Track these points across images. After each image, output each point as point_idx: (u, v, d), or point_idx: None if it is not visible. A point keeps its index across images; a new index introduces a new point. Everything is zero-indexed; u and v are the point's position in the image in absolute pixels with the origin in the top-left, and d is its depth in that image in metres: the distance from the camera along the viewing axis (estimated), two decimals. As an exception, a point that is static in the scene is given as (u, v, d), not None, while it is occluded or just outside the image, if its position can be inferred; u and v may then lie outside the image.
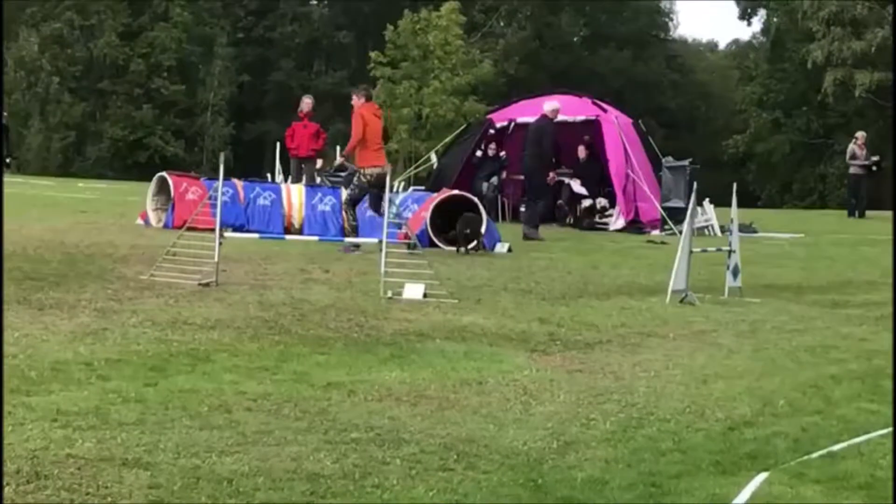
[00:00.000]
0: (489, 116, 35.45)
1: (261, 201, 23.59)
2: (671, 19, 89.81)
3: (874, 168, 36.73)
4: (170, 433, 7.69)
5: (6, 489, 6.36)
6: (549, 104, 26.31)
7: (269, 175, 32.17)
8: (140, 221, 24.00)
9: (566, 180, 30.57)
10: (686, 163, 29.38)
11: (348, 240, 19.32)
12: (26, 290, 13.13)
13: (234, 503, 6.45)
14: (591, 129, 30.96)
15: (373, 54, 54.88)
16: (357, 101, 20.61)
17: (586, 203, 30.38)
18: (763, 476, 7.39)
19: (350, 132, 20.45)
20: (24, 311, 11.87)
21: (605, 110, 31.72)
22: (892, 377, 10.46)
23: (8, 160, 53.65)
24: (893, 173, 28.05)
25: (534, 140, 25.55)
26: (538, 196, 26.06)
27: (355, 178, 20.22)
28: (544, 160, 25.72)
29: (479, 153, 32.31)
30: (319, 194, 24.18)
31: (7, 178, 41.68)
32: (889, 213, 32.50)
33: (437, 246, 20.92)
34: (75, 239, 19.28)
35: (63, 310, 12.11)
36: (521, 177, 27.82)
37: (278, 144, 31.16)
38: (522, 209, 29.68)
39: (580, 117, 31.32)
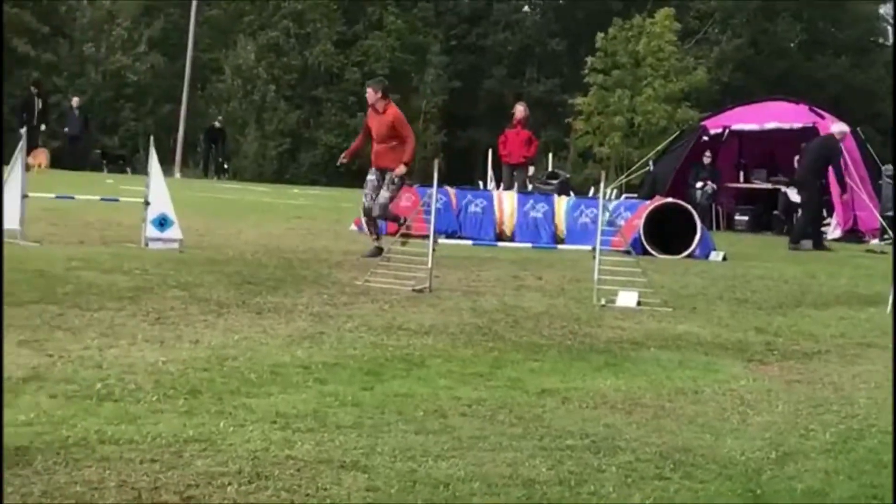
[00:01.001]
0: (703, 123, 35.07)
1: (473, 208, 23.72)
2: (891, 25, 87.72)
3: None
4: (386, 437, 7.74)
5: (229, 489, 6.47)
6: (838, 126, 26.45)
7: (480, 182, 32.31)
8: (354, 227, 24.31)
9: (783, 189, 30.08)
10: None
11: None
12: (245, 294, 13.38)
13: (450, 507, 6.45)
14: (809, 137, 30.46)
15: (590, 59, 54.67)
16: (376, 95, 18.42)
17: (803, 212, 29.84)
18: None
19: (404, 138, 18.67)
20: (243, 315, 12.10)
21: (822, 117, 31.17)
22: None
23: (225, 165, 54.89)
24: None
25: (817, 157, 25.52)
26: (810, 209, 26.05)
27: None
28: (820, 177, 25.81)
29: (693, 160, 31.97)
30: (531, 201, 24.21)
31: (224, 185, 42.63)
32: None
33: (650, 254, 20.76)
34: (291, 244, 19.61)
35: (281, 314, 12.31)
36: (735, 185, 27.50)
37: (490, 151, 31.27)
38: (738, 217, 29.26)
39: (797, 124, 30.83)
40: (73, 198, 20.48)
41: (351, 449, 7.39)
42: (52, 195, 19.96)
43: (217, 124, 55.46)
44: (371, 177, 18.50)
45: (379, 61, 66.69)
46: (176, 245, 17.06)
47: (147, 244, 17.09)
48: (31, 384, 8.56)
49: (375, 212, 18.52)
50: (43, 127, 40.97)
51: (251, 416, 8.04)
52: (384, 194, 18.37)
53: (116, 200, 21.34)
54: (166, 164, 44.69)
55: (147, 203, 17.43)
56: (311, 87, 66.97)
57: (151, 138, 18.32)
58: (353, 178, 55.99)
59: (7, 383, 8.50)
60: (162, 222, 17.26)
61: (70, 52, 62.25)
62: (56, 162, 40.73)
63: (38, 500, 6.12)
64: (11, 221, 16.81)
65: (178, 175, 52.65)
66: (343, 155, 19.14)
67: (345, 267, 16.69)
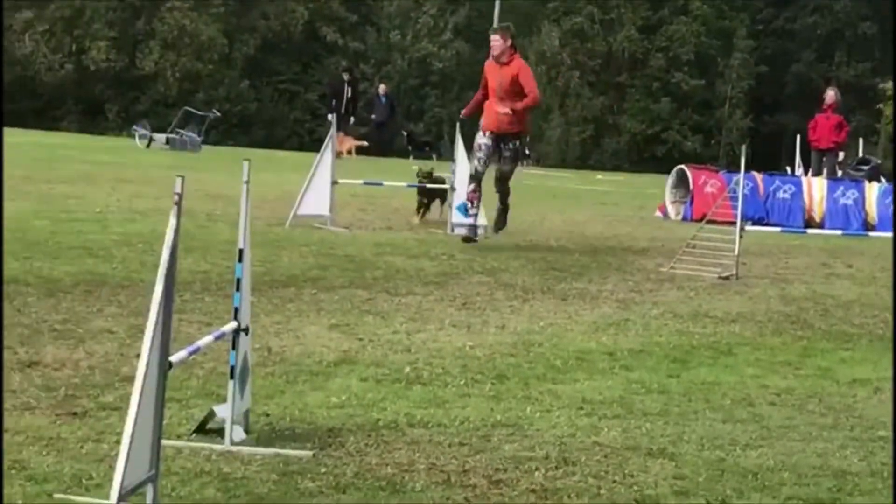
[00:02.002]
0: None
1: (780, 194, 23.26)
2: None
3: None
4: (693, 425, 7.66)
5: (536, 474, 6.50)
6: None
7: (787, 168, 31.68)
8: (658, 214, 24.13)
9: None
10: None
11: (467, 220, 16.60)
12: (550, 280, 13.43)
13: (759, 497, 6.33)
14: None
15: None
16: (505, 42, 15.77)
17: None
18: None
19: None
20: (548, 301, 12.14)
21: None
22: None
23: (527, 151, 55.15)
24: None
25: None
26: None
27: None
28: None
29: None
30: (841, 188, 23.61)
31: (527, 171, 42.83)
32: None
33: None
34: (595, 231, 19.58)
35: (585, 300, 12.30)
36: None
37: (798, 137, 30.62)
38: None
39: None
40: (381, 184, 20.86)
41: (658, 436, 7.34)
42: (361, 181, 20.37)
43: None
44: (485, 140, 15.72)
45: (684, 46, 66.04)
46: (481, 231, 17.22)
47: (453, 230, 17.30)
48: (343, 367, 8.76)
49: (498, 184, 16.11)
50: (352, 120, 41.90)
51: (557, 402, 8.06)
52: (507, 166, 16.04)
53: (423, 186, 21.65)
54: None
55: (453, 189, 17.64)
56: (614, 73, 66.77)
57: (458, 125, 18.51)
58: (658, 164, 55.65)
59: (319, 366, 8.73)
60: (467, 208, 17.43)
61: (377, 40, 63.60)
62: (363, 148, 41.62)
63: (351, 480, 6.25)
64: (321, 207, 17.26)
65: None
66: (463, 111, 16.58)
67: (649, 253, 16.58)
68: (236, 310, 6.73)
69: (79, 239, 14.40)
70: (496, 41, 15.65)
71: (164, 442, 5.90)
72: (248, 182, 6.71)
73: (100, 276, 11.93)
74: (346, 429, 7.17)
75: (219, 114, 44.37)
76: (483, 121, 15.84)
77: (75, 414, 7.13)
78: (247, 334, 6.81)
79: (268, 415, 7.36)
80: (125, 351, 8.74)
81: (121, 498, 5.29)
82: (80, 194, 19.62)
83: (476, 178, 15.97)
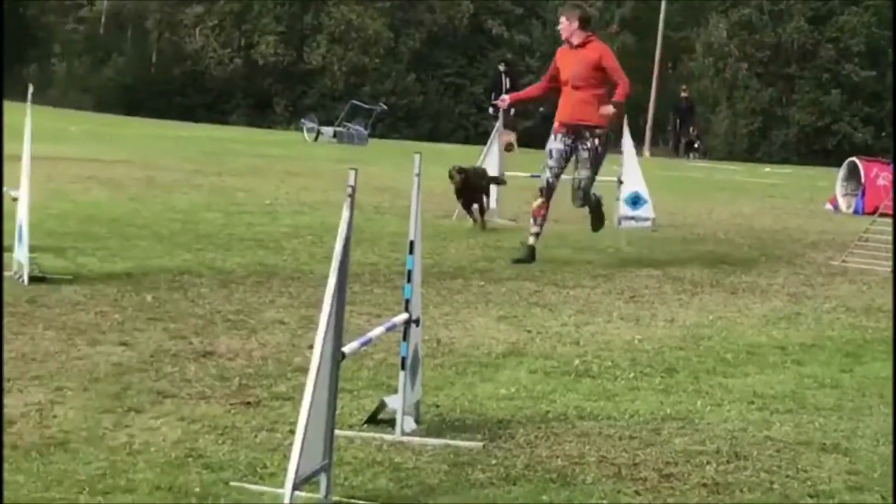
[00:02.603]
0: None
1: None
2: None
3: None
4: (867, 420, 7.53)
5: (707, 468, 6.45)
6: None
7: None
8: (828, 207, 23.77)
9: None
10: None
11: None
12: (718, 274, 13.31)
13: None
14: None
15: None
16: (571, 25, 13.64)
17: None
18: None
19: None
20: (717, 294, 12.04)
21: None
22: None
23: (696, 144, 54.59)
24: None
25: None
26: None
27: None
28: None
29: None
30: None
31: (693, 164, 42.46)
32: None
33: None
34: (764, 224, 19.36)
35: (755, 293, 12.17)
36: None
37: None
38: None
39: None
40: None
41: (831, 431, 7.23)
42: (527, 174, 20.38)
43: (683, 94, 55.14)
44: (557, 144, 13.51)
45: (854, 37, 64.82)
46: (648, 224, 17.10)
47: (620, 223, 17.22)
48: (511, 359, 8.78)
49: (578, 200, 13.87)
50: (512, 112, 41.88)
51: (728, 396, 7.98)
52: (585, 173, 13.59)
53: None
54: (636, 142, 44.94)
55: (620, 182, 17.56)
56: (783, 65, 65.82)
57: (626, 117, 18.40)
58: (827, 156, 54.76)
59: (488, 358, 8.76)
60: (635, 201, 17.33)
61: (542, 33, 63.50)
62: (529, 140, 41.60)
63: (521, 472, 6.27)
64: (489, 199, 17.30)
65: (647, 154, 52.85)
66: (502, 99, 14.53)
67: (820, 247, 16.35)
68: (407, 301, 6.78)
69: (249, 231, 14.65)
70: (561, 23, 13.65)
71: (336, 432, 5.98)
72: (418, 175, 6.76)
73: (270, 267, 12.11)
74: (516, 420, 7.19)
75: (385, 107, 44.72)
76: (556, 118, 13.59)
77: (249, 403, 7.25)
78: (417, 325, 6.86)
79: (438, 406, 7.41)
80: (297, 342, 8.87)
81: (295, 487, 5.37)
82: (249, 187, 19.96)
83: (547, 190, 13.64)
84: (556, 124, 13.52)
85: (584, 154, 13.42)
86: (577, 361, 8.73)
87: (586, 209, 14.20)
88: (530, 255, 13.35)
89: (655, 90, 59.90)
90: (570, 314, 10.57)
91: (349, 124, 39.65)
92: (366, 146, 37.07)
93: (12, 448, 6.10)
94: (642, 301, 11.45)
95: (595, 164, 13.48)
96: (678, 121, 54.64)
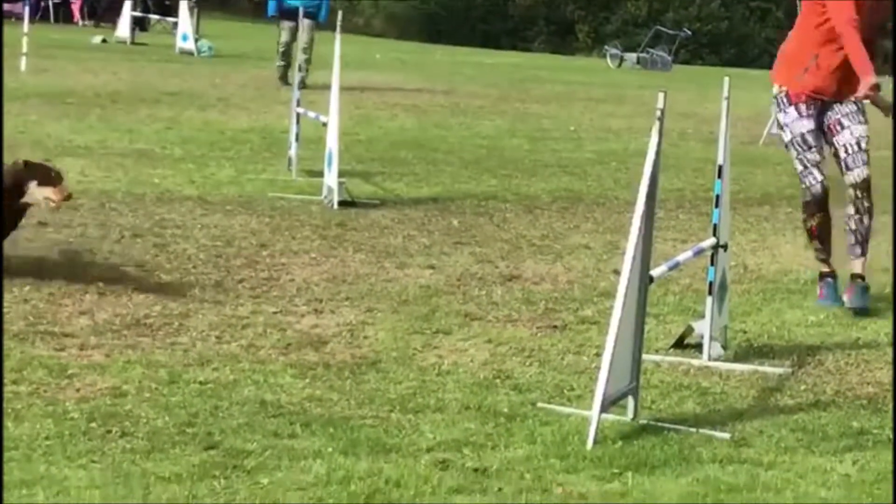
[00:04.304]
0: None
1: None
2: None
3: None
4: None
5: None
6: None
7: None
8: None
9: None
10: None
11: None
12: None
13: None
14: None
15: None
16: None
17: None
18: None
19: None
20: None
21: None
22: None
23: None
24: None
25: None
26: None
27: None
28: None
29: None
30: None
31: None
32: None
33: None
34: None
35: None
36: None
37: None
38: None
39: None
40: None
41: None
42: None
43: None
44: (805, 121, 8.12)
45: None
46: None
47: None
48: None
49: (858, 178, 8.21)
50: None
51: None
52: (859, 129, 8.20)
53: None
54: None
55: None
56: None
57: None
58: None
59: (796, 284, 8.64)
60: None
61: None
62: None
63: (831, 398, 6.18)
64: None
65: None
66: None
67: None
68: (715, 226, 6.72)
69: (554, 157, 14.72)
70: None
71: (643, 356, 5.99)
72: (727, 98, 6.67)
73: (575, 193, 12.16)
74: (825, 347, 7.08)
75: (689, 33, 44.14)
76: (807, 79, 8.13)
77: (556, 327, 7.32)
78: (725, 251, 6.79)
79: (745, 332, 7.34)
80: (602, 266, 8.89)
81: (603, 409, 5.42)
82: (553, 114, 20.02)
83: (818, 193, 8.21)
84: (805, 87, 8.16)
85: (847, 109, 8.15)
86: (888, 289, 8.51)
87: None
88: (862, 298, 8.05)
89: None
90: (880, 241, 10.28)
91: (653, 50, 39.30)
92: (669, 72, 36.70)
93: (325, 367, 6.31)
94: None
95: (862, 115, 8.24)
96: None
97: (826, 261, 8.25)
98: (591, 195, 12.05)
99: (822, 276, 8.20)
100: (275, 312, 7.32)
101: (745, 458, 5.29)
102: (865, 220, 8.17)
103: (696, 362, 6.63)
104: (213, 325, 6.98)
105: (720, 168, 6.72)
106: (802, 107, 8.06)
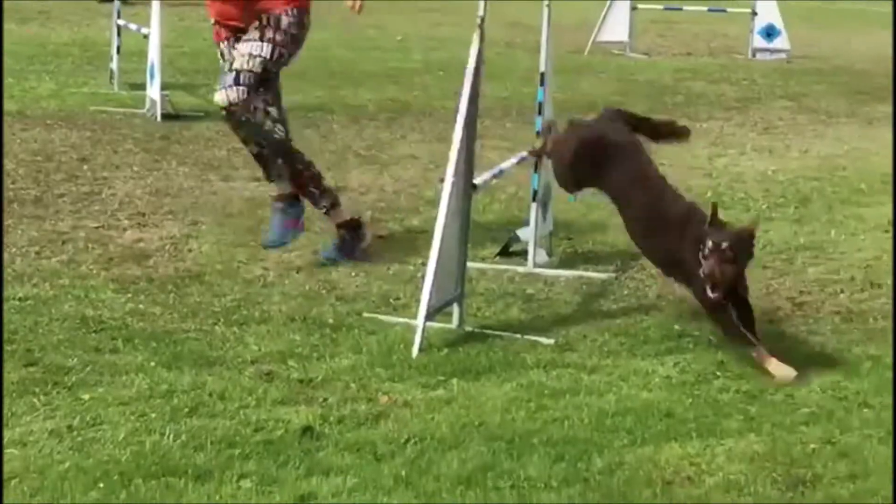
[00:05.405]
0: None
1: None
2: None
3: None
4: None
5: (841, 296, 6.40)
6: None
7: None
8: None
9: None
10: None
11: None
12: (854, 104, 13.10)
13: None
14: None
15: None
16: None
17: None
18: None
19: None
20: (852, 125, 11.86)
21: None
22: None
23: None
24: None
25: None
26: None
27: None
28: None
29: None
30: None
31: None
32: None
33: None
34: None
35: (892, 124, 11.94)
36: None
37: None
38: None
39: None
40: (680, 9, 20.48)
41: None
42: (661, 6, 20.07)
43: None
44: None
45: None
46: (783, 55, 16.78)
47: (754, 55, 16.91)
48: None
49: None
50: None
51: (862, 225, 7.89)
52: None
53: (723, 11, 21.22)
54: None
55: (754, 14, 17.21)
56: None
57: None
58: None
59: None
60: (769, 32, 17.01)
61: None
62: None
63: (653, 302, 6.27)
64: (620, 34, 17.05)
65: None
66: None
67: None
68: (538, 133, 6.74)
69: (380, 67, 14.65)
70: None
71: (468, 264, 6.01)
72: (549, 4, 6.68)
73: (402, 103, 12.12)
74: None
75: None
76: None
77: (382, 237, 7.31)
78: (549, 158, 6.82)
79: (570, 238, 7.41)
80: (429, 176, 8.89)
81: (428, 317, 5.43)
82: (380, 23, 19.87)
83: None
84: None
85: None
86: (709, 193, 8.64)
87: None
88: None
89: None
90: (703, 146, 10.44)
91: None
92: (496, -19, 36.72)
93: (148, 281, 6.23)
94: (776, 132, 11.30)
95: None
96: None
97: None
98: (417, 105, 12.03)
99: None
100: (96, 227, 7.20)
101: (569, 363, 5.36)
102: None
103: (521, 269, 6.68)
104: (33, 241, 6.86)
105: (542, 75, 6.74)
106: None
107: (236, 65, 6.57)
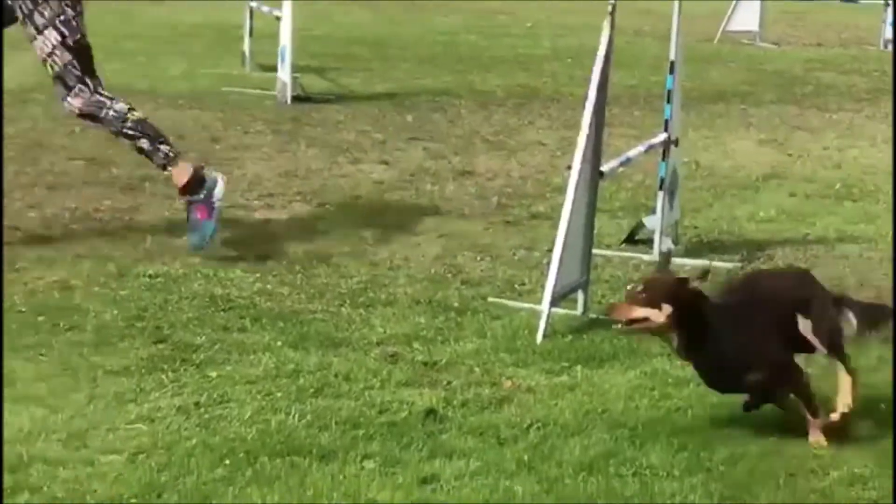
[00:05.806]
0: None
1: None
2: None
3: None
4: None
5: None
6: None
7: None
8: None
9: None
10: None
11: None
12: None
13: None
14: None
15: None
16: None
17: None
18: None
19: None
20: None
21: None
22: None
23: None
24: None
25: None
26: None
27: None
28: None
29: None
30: None
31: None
32: None
33: None
34: None
35: None
36: None
37: None
38: None
39: None
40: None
41: None
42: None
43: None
44: None
45: None
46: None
47: (886, 46, 16.66)
48: (771, 182, 8.66)
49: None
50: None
51: None
52: None
53: (855, 2, 20.98)
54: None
55: (887, 4, 16.95)
56: None
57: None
58: None
59: (747, 180, 8.65)
60: (905, 23, 16.75)
61: None
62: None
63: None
64: (751, 23, 16.90)
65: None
66: None
67: None
68: (666, 122, 6.71)
69: (509, 53, 14.66)
70: None
71: (594, 251, 6.01)
72: (680, -8, 6.64)
73: (530, 89, 12.12)
74: (775, 242, 7.11)
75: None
76: None
77: (508, 222, 7.32)
78: (676, 146, 6.79)
79: (696, 227, 7.37)
80: (556, 162, 8.89)
81: (553, 303, 5.44)
82: (509, 10, 19.90)
83: None
84: None
85: None
86: (838, 185, 8.56)
87: None
88: None
89: None
90: (833, 137, 10.33)
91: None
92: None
93: (276, 261, 6.30)
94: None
95: None
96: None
97: None
98: (546, 91, 12.03)
99: None
100: (227, 207, 7.29)
101: (693, 352, 5.31)
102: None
103: (646, 257, 6.66)
104: (164, 220, 6.96)
105: (672, 64, 6.70)
106: None
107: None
